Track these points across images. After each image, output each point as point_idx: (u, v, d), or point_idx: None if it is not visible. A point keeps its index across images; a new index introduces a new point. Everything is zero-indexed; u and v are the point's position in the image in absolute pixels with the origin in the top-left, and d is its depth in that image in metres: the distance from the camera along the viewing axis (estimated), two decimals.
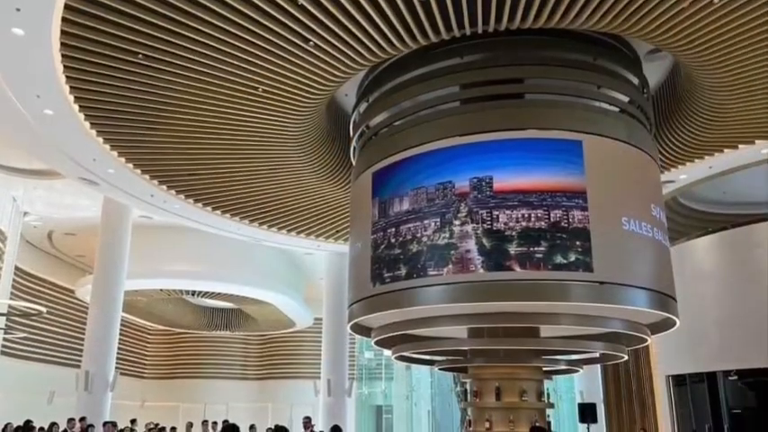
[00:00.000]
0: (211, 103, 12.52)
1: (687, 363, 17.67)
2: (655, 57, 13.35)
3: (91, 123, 13.26)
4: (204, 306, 35.18)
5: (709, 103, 13.09)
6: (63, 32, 9.93)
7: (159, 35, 10.19)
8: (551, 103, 12.23)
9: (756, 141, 14.64)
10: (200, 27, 9.97)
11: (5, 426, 17.45)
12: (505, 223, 10.98)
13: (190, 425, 21.81)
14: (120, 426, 20.49)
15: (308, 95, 12.45)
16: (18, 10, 9.20)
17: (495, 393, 13.43)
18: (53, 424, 18.16)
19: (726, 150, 15.11)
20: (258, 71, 11.41)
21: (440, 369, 16.70)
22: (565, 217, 10.92)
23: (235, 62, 11.07)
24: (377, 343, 14.54)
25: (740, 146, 14.87)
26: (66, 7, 9.29)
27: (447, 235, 11.29)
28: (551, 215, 10.94)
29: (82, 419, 18.67)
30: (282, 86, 12.01)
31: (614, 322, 11.96)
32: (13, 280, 24.91)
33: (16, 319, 25.80)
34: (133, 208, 21.05)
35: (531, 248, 10.82)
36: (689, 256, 17.42)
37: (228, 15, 9.68)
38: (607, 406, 22.65)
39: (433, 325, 12.36)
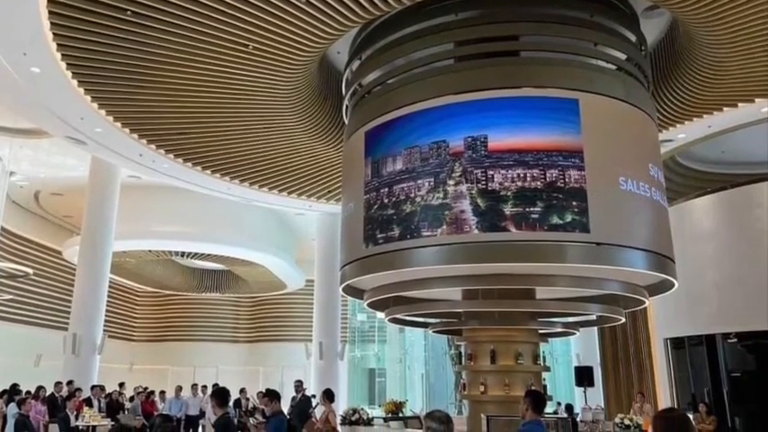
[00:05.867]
0: (201, 60, 12.32)
1: (686, 325, 17.61)
2: (652, 13, 13.18)
3: (78, 81, 13.11)
4: (194, 267, 35.08)
5: (708, 60, 12.93)
6: None
7: None
8: (547, 60, 12.04)
9: (756, 100, 14.49)
10: None
11: None
12: (500, 183, 10.82)
13: (179, 388, 21.71)
14: (109, 389, 20.43)
15: (299, 53, 12.24)
16: None
17: (490, 356, 13.34)
18: (40, 387, 18.09)
19: (725, 109, 14.96)
20: (248, 28, 11.21)
21: (434, 332, 16.62)
22: (561, 177, 10.75)
23: (224, 19, 10.86)
24: (370, 305, 14.42)
25: (739, 104, 14.72)
26: None
27: (441, 195, 11.13)
28: (547, 175, 10.77)
29: (69, 383, 18.58)
30: (273, 44, 11.81)
31: (611, 284, 11.83)
32: None
33: (2, 280, 25.65)
34: (121, 168, 20.87)
35: (527, 209, 10.67)
36: (687, 217, 17.28)
37: None
38: (604, 369, 22.67)
39: (426, 287, 12.24)
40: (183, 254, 29.93)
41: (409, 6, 11.44)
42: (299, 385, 17.72)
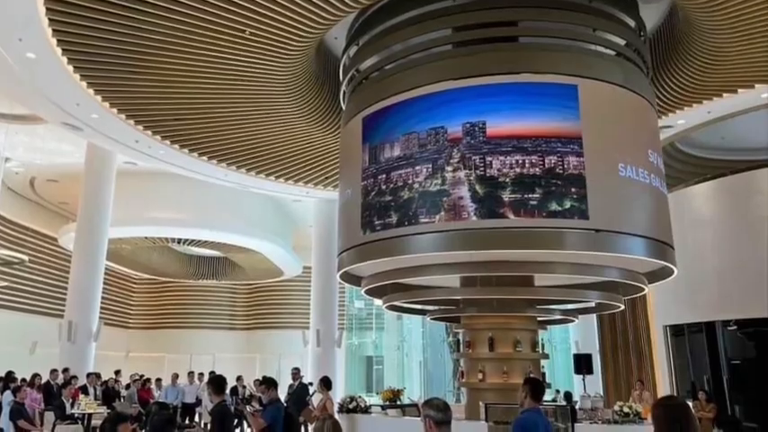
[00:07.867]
0: (198, 46, 12.25)
1: (685, 312, 17.56)
2: None
3: (74, 67, 13.06)
4: (190, 254, 35.03)
5: (708, 46, 12.87)
6: None
7: None
8: (546, 46, 11.98)
9: (756, 85, 14.40)
10: None
11: None
12: (499, 169, 10.76)
13: (176, 376, 21.65)
14: (105, 377, 20.37)
15: (296, 38, 12.16)
16: None
17: (488, 344, 13.33)
18: (35, 375, 18.02)
19: (725, 95, 14.88)
20: (245, 13, 11.14)
21: (432, 319, 16.60)
22: (560, 163, 10.70)
23: (221, 4, 10.78)
24: (367, 292, 14.41)
25: (739, 90, 14.65)
26: None
27: (439, 181, 11.06)
28: (546, 161, 10.72)
29: (65, 370, 18.55)
30: (270, 29, 11.74)
31: (610, 271, 11.81)
32: None
33: None
34: (117, 154, 20.81)
35: (526, 195, 10.63)
36: (687, 204, 17.20)
37: None
38: (603, 357, 22.64)
39: (424, 274, 12.19)
40: (179, 240, 29.91)
41: None
42: (296, 373, 17.70)
